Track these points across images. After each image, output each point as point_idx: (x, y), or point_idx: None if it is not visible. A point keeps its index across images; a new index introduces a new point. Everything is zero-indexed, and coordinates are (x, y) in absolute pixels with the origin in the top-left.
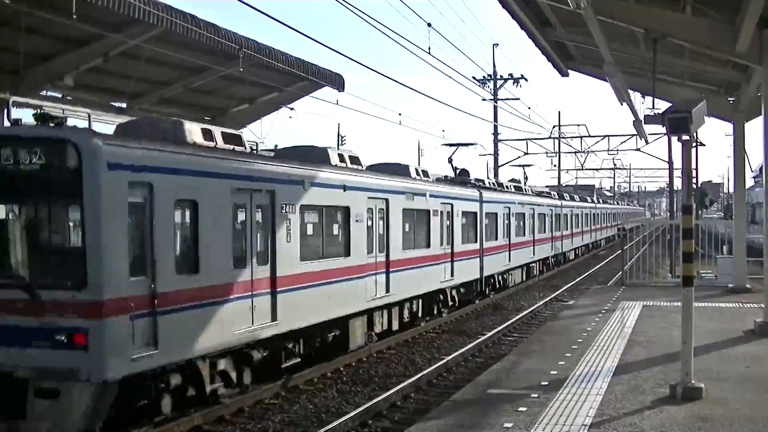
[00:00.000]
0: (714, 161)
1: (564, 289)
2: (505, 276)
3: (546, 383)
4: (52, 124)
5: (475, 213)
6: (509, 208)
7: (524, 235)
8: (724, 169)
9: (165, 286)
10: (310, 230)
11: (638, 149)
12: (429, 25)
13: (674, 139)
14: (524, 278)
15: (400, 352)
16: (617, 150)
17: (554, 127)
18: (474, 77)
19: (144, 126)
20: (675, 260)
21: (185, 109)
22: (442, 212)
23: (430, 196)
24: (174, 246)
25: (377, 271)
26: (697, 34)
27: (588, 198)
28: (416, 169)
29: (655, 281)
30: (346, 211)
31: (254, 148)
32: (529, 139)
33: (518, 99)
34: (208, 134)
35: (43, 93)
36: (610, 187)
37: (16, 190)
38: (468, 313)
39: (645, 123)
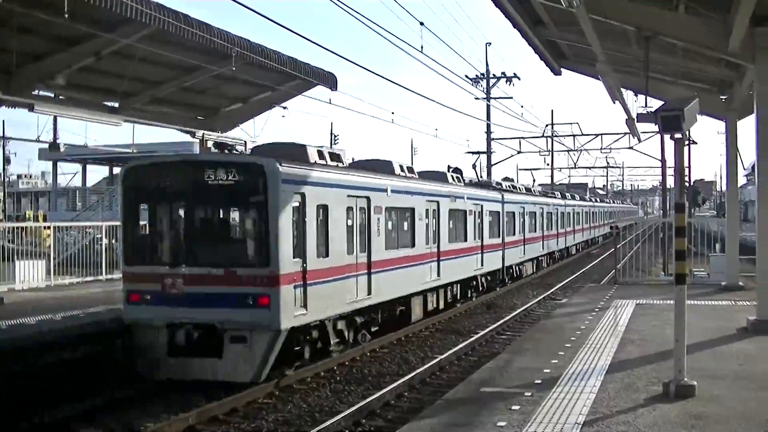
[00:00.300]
0: (707, 159)
1: (557, 287)
2: (520, 267)
3: (539, 381)
4: (227, 150)
5: (498, 212)
6: (524, 207)
7: (536, 231)
8: (716, 167)
9: (311, 266)
10: (390, 226)
11: (631, 147)
12: (422, 24)
13: (667, 137)
14: (535, 270)
15: (393, 351)
16: (610, 148)
17: (547, 125)
18: (467, 76)
19: (277, 149)
20: (668, 258)
21: (178, 109)
22: (474, 212)
23: (467, 198)
24: (316, 237)
25: (431, 259)
26: (690, 33)
27: (587, 197)
28: (451, 176)
29: (648, 279)
30: (412, 211)
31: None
32: (522, 137)
33: (511, 98)
34: (321, 154)
35: (35, 92)
36: (603, 185)
37: (217, 199)
38: (461, 312)
39: (638, 121)
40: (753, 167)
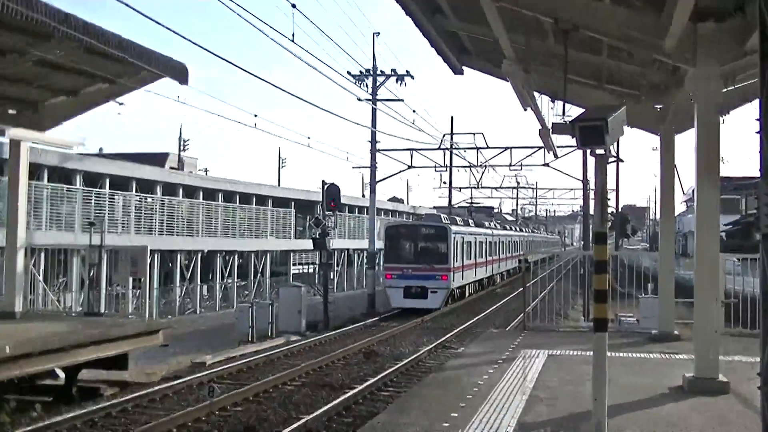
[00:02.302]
0: (640, 182)
1: (453, 333)
2: (509, 271)
3: None
4: (430, 221)
5: (504, 241)
6: (511, 238)
7: (512, 252)
8: (650, 191)
9: (458, 264)
10: (473, 248)
11: (546, 164)
12: (294, 6)
13: (589, 153)
14: (512, 273)
15: (248, 408)
16: (521, 165)
17: (445, 135)
18: (349, 72)
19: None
20: (589, 299)
21: None
22: (501, 241)
23: (492, 234)
24: (460, 251)
25: (484, 265)
26: (618, 27)
27: (521, 227)
28: (493, 224)
29: (565, 325)
30: (479, 242)
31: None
32: (415, 149)
33: (402, 100)
34: (445, 217)
35: None
36: (512, 209)
37: (428, 238)
38: (333, 361)
39: (553, 132)
40: (693, 191)
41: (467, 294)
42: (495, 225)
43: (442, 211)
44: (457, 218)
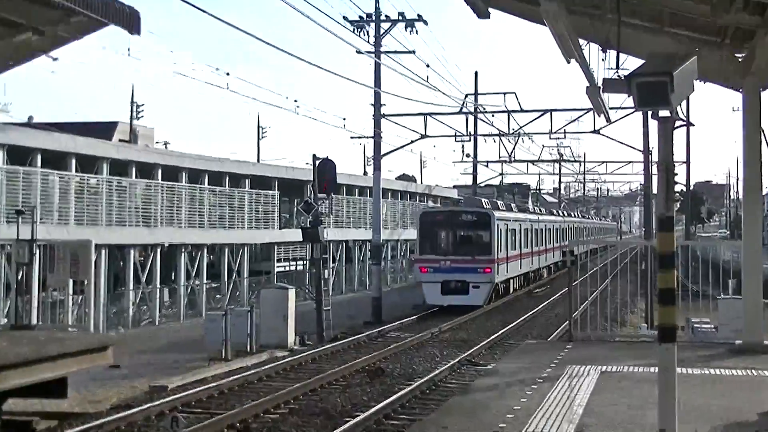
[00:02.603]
0: (717, 153)
1: (480, 345)
2: (557, 264)
3: None
4: (470, 206)
5: (552, 228)
6: (560, 225)
7: (560, 242)
8: (731, 163)
9: (502, 255)
10: (517, 236)
11: (596, 131)
12: None
13: (651, 116)
14: (560, 267)
15: None
16: (564, 132)
17: (467, 96)
18: (345, 17)
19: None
20: (653, 301)
21: None
22: (548, 228)
23: (544, 221)
24: (504, 241)
25: (537, 254)
26: None
27: (567, 211)
28: (538, 209)
29: (622, 334)
30: (523, 229)
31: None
32: (430, 113)
33: (413, 52)
34: (486, 202)
35: None
36: (554, 188)
37: (468, 226)
38: (330, 382)
39: (604, 91)
40: None
41: (511, 290)
42: (539, 209)
43: (464, 192)
44: (499, 202)
